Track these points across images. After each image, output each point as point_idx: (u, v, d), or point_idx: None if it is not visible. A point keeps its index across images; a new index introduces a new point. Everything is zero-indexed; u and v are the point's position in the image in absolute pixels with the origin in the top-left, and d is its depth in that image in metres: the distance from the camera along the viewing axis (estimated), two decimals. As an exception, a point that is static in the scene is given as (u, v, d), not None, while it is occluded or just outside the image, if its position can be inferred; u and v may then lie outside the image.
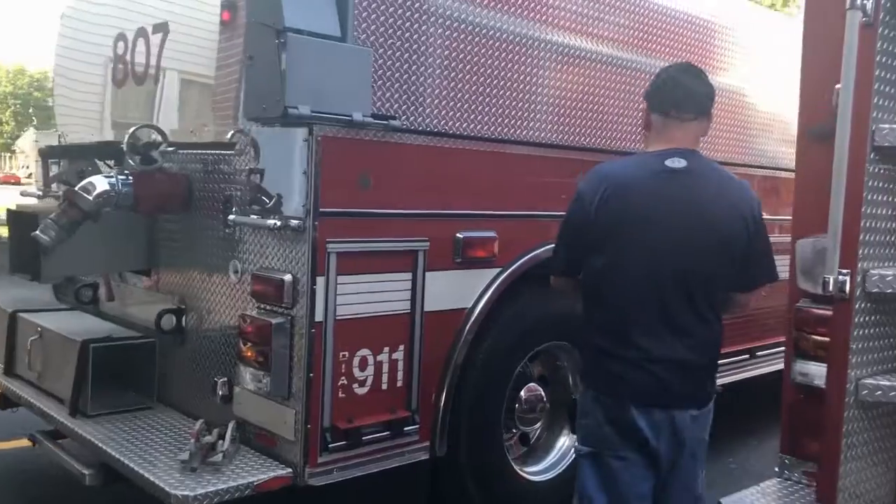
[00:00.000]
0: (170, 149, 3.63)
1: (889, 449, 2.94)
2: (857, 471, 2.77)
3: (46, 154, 4.16)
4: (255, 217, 3.28)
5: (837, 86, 3.01)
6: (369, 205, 3.31)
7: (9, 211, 3.97)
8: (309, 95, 3.03)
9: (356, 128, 3.19)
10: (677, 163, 2.67)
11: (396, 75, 3.35)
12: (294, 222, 3.13)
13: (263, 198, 3.25)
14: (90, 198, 3.49)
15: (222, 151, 3.53)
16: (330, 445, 3.25)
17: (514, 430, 4.21)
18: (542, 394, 4.26)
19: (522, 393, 4.17)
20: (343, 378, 3.30)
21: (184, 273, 3.83)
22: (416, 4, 3.39)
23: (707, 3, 4.99)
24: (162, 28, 3.96)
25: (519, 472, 4.14)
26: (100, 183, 3.56)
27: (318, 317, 3.18)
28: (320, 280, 3.16)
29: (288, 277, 3.19)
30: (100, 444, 3.41)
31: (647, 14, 4.47)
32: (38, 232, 3.43)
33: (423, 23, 3.42)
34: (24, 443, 4.38)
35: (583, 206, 2.73)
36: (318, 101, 3.05)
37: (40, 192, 4.73)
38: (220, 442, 3.24)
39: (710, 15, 4.91)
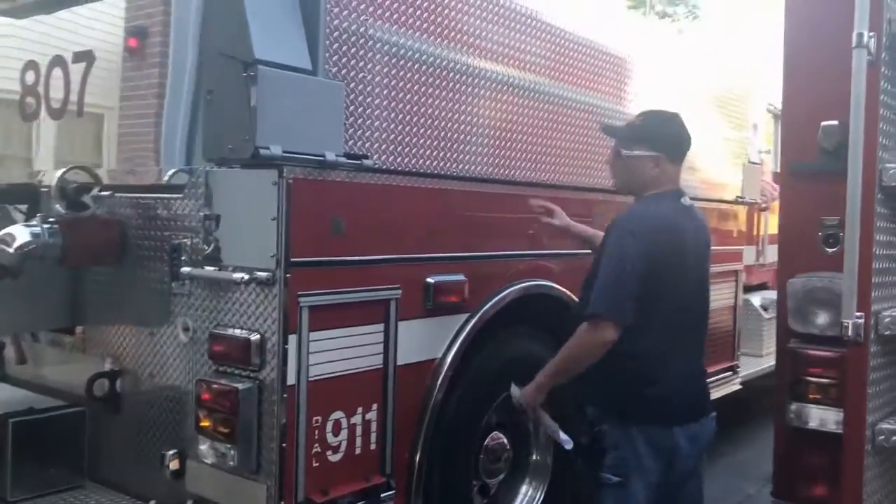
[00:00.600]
0: (104, 192, 3.22)
1: (890, 487, 2.89)
2: (874, 518, 2.70)
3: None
4: (214, 269, 2.93)
5: (824, 122, 3.01)
6: (341, 252, 3.01)
7: None
8: (280, 134, 2.72)
9: (328, 168, 2.91)
10: (686, 201, 3.05)
11: (367, 111, 3.08)
12: (262, 274, 2.80)
13: (204, 245, 2.93)
14: (11, 251, 3.04)
15: (166, 195, 3.16)
16: (305, 522, 2.92)
17: (475, 482, 3.97)
18: (506, 442, 4.05)
19: (486, 442, 3.94)
20: (316, 445, 2.97)
21: (118, 331, 3.40)
22: (387, 36, 3.14)
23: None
24: (85, 56, 3.54)
25: (489, 528, 3.91)
26: (20, 234, 3.11)
27: (291, 380, 2.84)
28: (292, 338, 2.84)
29: (255, 337, 2.84)
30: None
31: (608, 55, 4.40)
32: (-51, 293, 2.95)
33: (393, 55, 3.17)
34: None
35: (640, 247, 2.81)
36: (289, 139, 2.75)
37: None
38: (181, 527, 2.85)
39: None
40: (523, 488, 4.19)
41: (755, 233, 6.74)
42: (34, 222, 3.15)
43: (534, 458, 4.21)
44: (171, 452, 3.12)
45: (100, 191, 3.23)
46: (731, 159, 6.01)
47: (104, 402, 3.37)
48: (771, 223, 7.57)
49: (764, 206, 6.77)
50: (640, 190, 3.05)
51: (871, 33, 2.55)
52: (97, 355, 3.47)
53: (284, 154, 2.72)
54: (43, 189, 3.41)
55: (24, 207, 3.57)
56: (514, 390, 3.20)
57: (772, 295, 7.28)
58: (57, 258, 3.17)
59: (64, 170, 3.17)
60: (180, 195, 3.10)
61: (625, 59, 4.60)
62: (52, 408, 3.37)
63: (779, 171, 8.71)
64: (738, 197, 5.94)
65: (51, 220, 3.17)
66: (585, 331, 2.84)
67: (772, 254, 7.79)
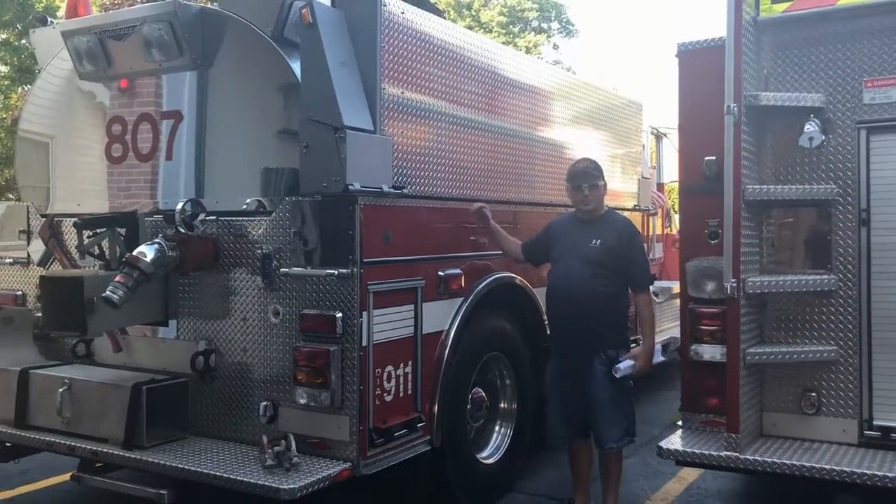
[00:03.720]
0: (210, 217, 4.39)
1: (756, 392, 4.45)
2: (746, 410, 4.23)
3: (81, 226, 4.67)
4: (302, 269, 4.16)
5: (706, 157, 4.56)
6: (389, 254, 4.32)
7: (43, 277, 4.44)
8: (357, 174, 4.00)
9: (383, 197, 4.21)
10: None
11: (403, 155, 4.40)
12: (344, 271, 4.05)
13: (294, 252, 4.17)
14: (149, 261, 4.16)
15: (258, 218, 4.36)
16: (375, 441, 4.19)
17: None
18: (484, 395, 5.41)
19: (472, 395, 5.29)
20: (378, 389, 4.26)
21: (211, 320, 4.55)
22: (414, 100, 4.47)
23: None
24: (173, 115, 4.69)
25: (478, 458, 5.26)
26: (149, 250, 4.22)
27: (364, 342, 4.12)
28: (364, 314, 4.12)
29: (339, 314, 4.10)
30: (186, 466, 4.06)
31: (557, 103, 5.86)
32: (108, 293, 4.04)
33: (417, 114, 4.51)
34: (33, 487, 4.78)
35: None
36: (362, 178, 4.03)
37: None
38: (291, 450, 4.04)
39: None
40: (496, 428, 5.57)
41: (647, 234, 8.35)
42: (158, 240, 4.28)
43: (502, 405, 5.60)
44: (265, 403, 4.31)
45: (206, 216, 4.38)
46: (630, 175, 7.60)
47: (201, 374, 4.51)
48: (658, 226, 9.32)
49: (653, 212, 8.44)
50: (602, 206, 4.73)
51: (735, 104, 4.08)
52: (190, 340, 4.61)
53: (362, 188, 4.01)
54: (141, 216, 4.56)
55: (122, 231, 4.67)
56: (622, 368, 4.59)
57: (661, 283, 9.00)
58: (175, 267, 4.31)
59: (183, 202, 4.31)
60: (269, 217, 4.31)
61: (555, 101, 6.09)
62: (166, 378, 4.48)
63: (663, 183, 10.45)
64: (635, 205, 7.53)
65: (169, 238, 4.31)
66: (648, 296, 4.78)
67: (658, 251, 9.54)
